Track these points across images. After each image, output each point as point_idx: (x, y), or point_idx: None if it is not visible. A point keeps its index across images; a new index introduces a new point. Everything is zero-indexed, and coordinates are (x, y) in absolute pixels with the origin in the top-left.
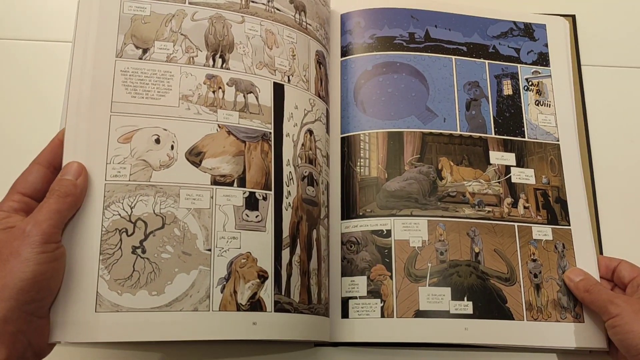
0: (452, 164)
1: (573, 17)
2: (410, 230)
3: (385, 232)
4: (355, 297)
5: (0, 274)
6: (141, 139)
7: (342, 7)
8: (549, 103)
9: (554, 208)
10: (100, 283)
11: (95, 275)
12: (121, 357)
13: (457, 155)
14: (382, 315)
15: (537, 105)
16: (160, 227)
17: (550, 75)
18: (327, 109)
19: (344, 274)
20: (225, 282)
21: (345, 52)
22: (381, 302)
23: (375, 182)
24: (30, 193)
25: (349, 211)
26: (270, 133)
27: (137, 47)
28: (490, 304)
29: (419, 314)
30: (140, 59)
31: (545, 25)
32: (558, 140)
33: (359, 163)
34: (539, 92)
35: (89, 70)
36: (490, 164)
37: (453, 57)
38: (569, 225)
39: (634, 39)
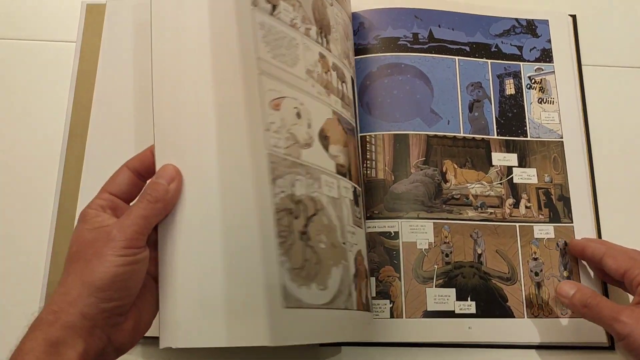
0: (455, 166)
1: (574, 17)
2: (417, 233)
3: (392, 234)
4: None
5: (83, 272)
6: (287, 108)
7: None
8: (552, 100)
9: (556, 206)
10: (282, 272)
11: (275, 262)
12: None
13: (460, 157)
14: (392, 316)
15: (540, 103)
16: (314, 214)
17: (553, 72)
18: None
19: None
20: (356, 280)
21: None
22: (390, 303)
23: (382, 184)
24: (117, 193)
25: None
26: (355, 129)
27: (267, 1)
28: (491, 303)
29: (427, 314)
30: (271, 14)
31: (547, 20)
32: (562, 137)
33: (365, 164)
34: (541, 90)
35: (232, 19)
36: (493, 166)
37: (456, 57)
38: (572, 222)
39: (634, 39)
